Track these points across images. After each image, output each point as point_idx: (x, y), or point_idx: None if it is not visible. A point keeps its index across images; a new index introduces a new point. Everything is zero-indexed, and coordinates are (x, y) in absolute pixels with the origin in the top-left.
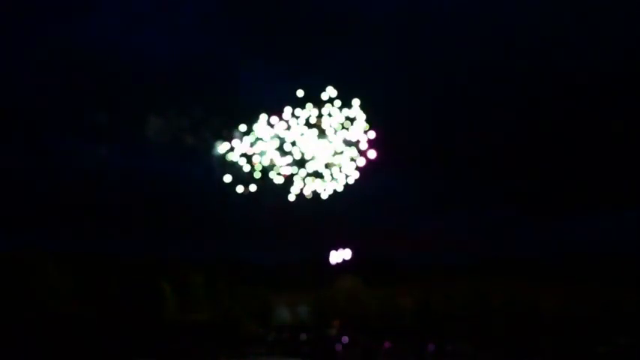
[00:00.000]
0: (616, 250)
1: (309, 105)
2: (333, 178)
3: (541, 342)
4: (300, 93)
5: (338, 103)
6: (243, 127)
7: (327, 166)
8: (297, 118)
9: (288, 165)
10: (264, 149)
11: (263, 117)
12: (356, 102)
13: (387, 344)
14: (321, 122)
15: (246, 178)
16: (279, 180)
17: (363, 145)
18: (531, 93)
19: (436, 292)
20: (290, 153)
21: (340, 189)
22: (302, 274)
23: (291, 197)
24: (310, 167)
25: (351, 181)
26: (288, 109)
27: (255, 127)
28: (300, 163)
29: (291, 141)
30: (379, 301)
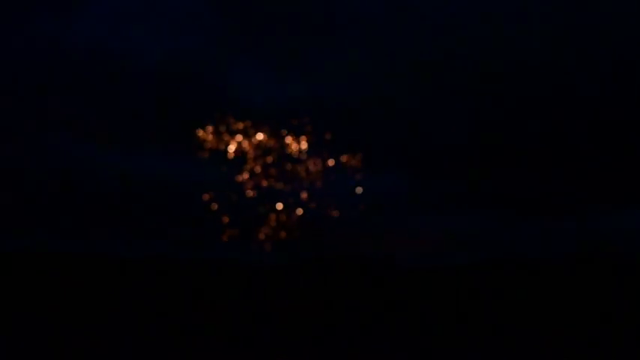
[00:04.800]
0: (616, 250)
1: None
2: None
3: (541, 341)
4: None
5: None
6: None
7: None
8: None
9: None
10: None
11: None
12: None
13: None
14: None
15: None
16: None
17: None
18: (530, 92)
19: (436, 292)
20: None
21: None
22: (302, 275)
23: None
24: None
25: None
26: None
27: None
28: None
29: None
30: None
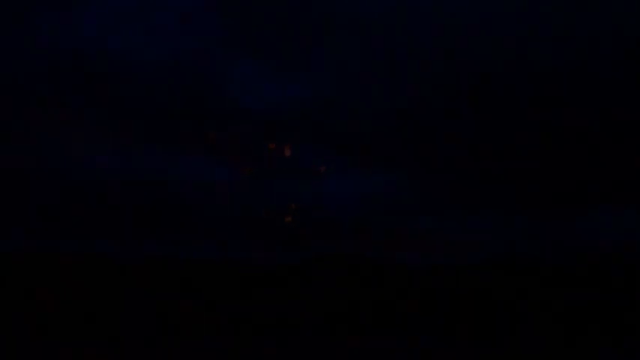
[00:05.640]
0: (616, 250)
1: None
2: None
3: (541, 340)
4: None
5: None
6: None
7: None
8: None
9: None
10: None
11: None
12: None
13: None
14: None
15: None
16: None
17: None
18: (531, 92)
19: (436, 292)
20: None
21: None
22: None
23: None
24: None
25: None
26: None
27: None
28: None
29: None
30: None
